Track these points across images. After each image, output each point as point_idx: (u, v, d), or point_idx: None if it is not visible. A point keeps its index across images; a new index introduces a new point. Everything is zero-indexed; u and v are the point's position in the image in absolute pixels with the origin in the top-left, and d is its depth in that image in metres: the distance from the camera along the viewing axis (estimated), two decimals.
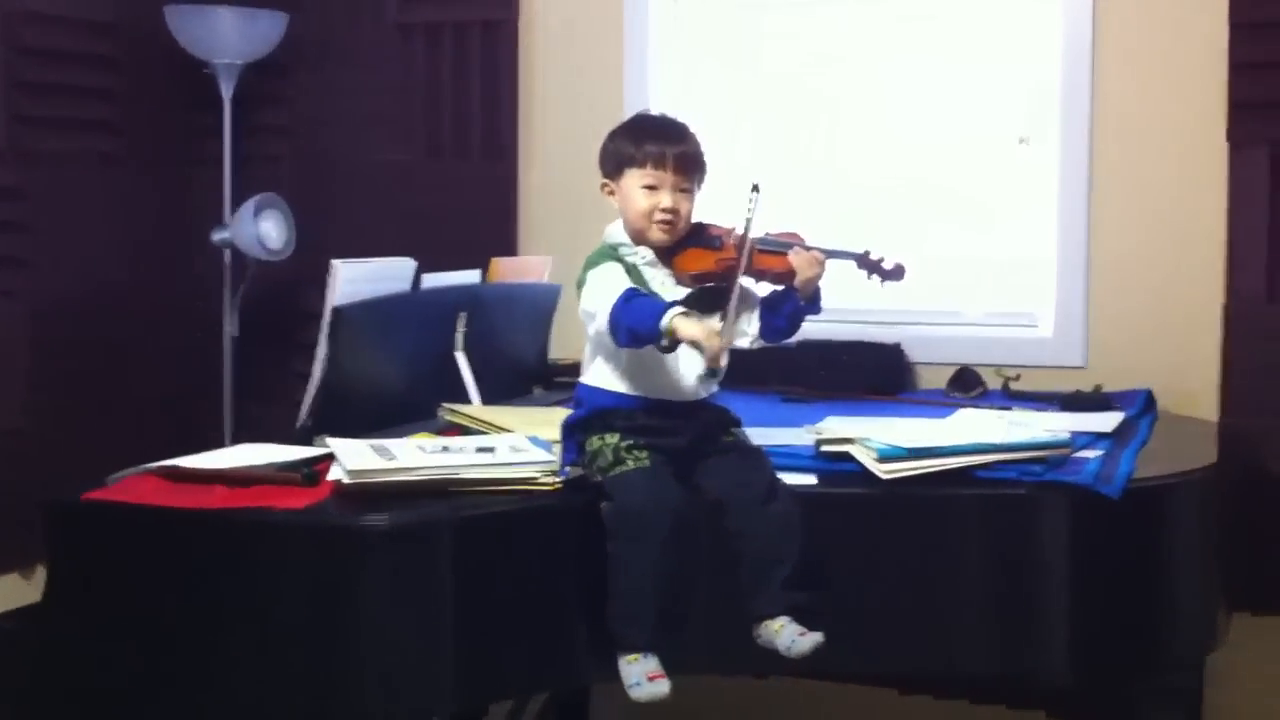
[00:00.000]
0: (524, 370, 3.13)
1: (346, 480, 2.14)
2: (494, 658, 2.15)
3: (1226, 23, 3.11)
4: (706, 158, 2.30)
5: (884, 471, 2.26)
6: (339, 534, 2.10)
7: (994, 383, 3.20)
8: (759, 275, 2.27)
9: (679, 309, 2.12)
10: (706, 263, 2.25)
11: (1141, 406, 2.95)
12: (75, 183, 3.52)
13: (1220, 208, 3.14)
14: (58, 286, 3.44)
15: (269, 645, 2.09)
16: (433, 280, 2.81)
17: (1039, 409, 2.91)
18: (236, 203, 3.61)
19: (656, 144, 2.25)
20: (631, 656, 2.12)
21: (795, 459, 2.36)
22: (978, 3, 3.43)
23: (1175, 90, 3.20)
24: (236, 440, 3.19)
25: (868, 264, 2.38)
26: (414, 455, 2.22)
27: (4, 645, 2.47)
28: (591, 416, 2.26)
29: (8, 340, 3.34)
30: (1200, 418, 3.07)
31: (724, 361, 2.14)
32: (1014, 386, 3.17)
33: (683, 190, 2.26)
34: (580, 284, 2.25)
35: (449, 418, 2.64)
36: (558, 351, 3.18)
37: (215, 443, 2.89)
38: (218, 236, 3.62)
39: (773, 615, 2.14)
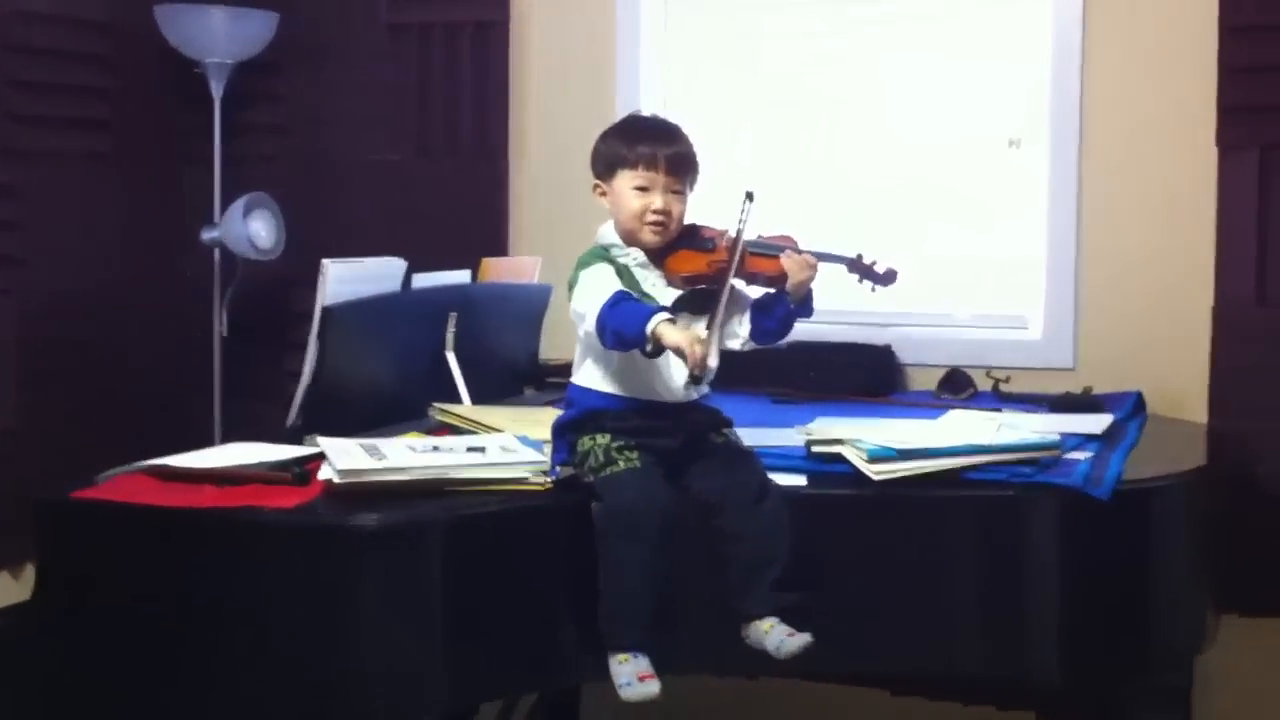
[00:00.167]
0: (514, 370, 3.13)
1: (337, 480, 2.14)
2: (484, 657, 2.14)
3: (1216, 26, 3.11)
4: (700, 158, 2.30)
5: (874, 473, 2.26)
6: (329, 533, 2.09)
7: (984, 384, 3.20)
8: (751, 278, 2.27)
9: (664, 315, 2.11)
10: (698, 265, 2.24)
11: (1131, 409, 2.95)
12: (65, 181, 3.51)
13: (1210, 211, 3.15)
14: (48, 285, 3.43)
15: (259, 645, 2.09)
16: (423, 280, 2.81)
17: (1029, 411, 2.92)
18: (227, 202, 3.61)
19: (648, 145, 2.25)
20: (622, 656, 2.11)
21: (786, 460, 2.36)
22: (975, 4, 3.43)
23: (1165, 94, 3.20)
24: (226, 439, 3.18)
25: (860, 268, 2.37)
26: (404, 455, 2.22)
27: None
28: (582, 417, 2.26)
29: None
30: (1189, 420, 3.09)
31: (713, 363, 2.14)
32: (1004, 388, 3.18)
33: (675, 192, 2.25)
34: (572, 284, 2.24)
35: (439, 417, 2.64)
36: (548, 352, 3.17)
37: (205, 442, 2.87)
38: (208, 236, 3.62)
39: (762, 616, 2.14)
